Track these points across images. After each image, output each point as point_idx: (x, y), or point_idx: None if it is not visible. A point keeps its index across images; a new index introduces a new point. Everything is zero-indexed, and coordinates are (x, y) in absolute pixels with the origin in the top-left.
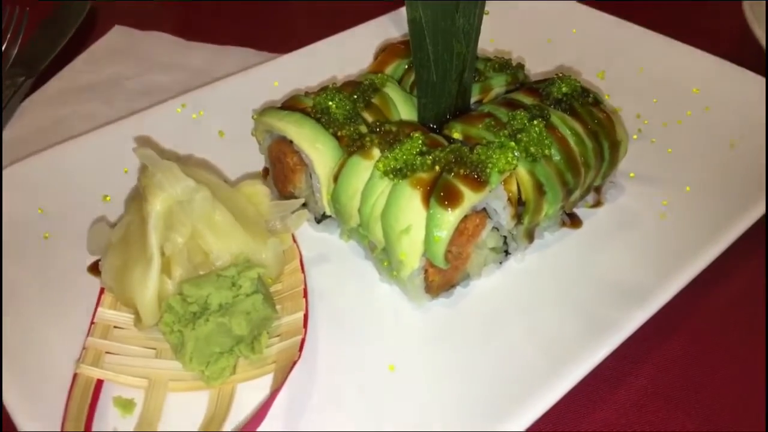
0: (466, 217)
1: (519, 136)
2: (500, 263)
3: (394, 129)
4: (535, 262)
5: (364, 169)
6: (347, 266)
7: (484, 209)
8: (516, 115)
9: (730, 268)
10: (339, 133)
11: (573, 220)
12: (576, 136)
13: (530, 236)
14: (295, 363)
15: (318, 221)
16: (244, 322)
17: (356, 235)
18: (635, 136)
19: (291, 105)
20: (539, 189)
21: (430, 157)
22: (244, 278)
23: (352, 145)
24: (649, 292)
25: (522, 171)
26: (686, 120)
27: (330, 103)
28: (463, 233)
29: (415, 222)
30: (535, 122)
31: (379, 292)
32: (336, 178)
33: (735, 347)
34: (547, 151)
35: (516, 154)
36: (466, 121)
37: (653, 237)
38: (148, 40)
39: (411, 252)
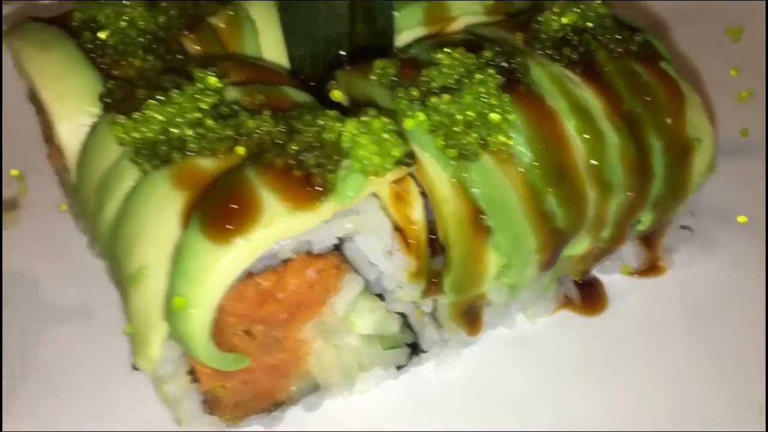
0: (286, 264)
1: (434, 100)
2: (398, 369)
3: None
4: (480, 373)
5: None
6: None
7: (338, 251)
8: (442, 59)
9: None
10: (115, 72)
11: (587, 296)
12: (582, 117)
13: (470, 320)
14: None
15: None
16: None
17: None
18: None
19: (57, 18)
20: (474, 219)
21: (230, 126)
22: None
23: (115, 93)
24: None
25: (438, 178)
26: None
27: (97, 14)
28: (270, 296)
29: (158, 260)
30: (479, 76)
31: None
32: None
33: None
34: (498, 138)
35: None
36: (360, 69)
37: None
38: None
39: (146, 323)
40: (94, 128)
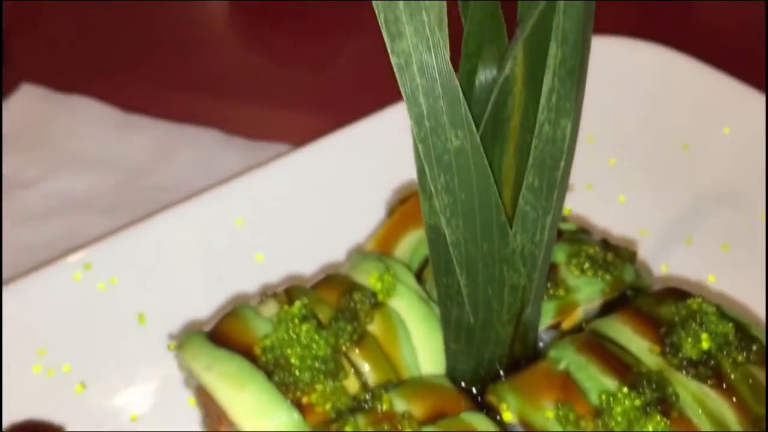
0: None
1: None
2: None
3: (395, 409)
4: None
5: None
6: None
7: None
8: (614, 406)
9: None
10: (304, 400)
11: None
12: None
13: None
14: None
15: None
16: None
17: None
18: None
19: (228, 334)
20: None
21: None
22: None
23: None
24: None
25: None
26: None
27: (288, 351)
28: None
29: None
30: (650, 426)
31: None
32: None
33: None
34: None
35: None
36: (526, 389)
37: None
38: (66, 111)
39: None
40: None
